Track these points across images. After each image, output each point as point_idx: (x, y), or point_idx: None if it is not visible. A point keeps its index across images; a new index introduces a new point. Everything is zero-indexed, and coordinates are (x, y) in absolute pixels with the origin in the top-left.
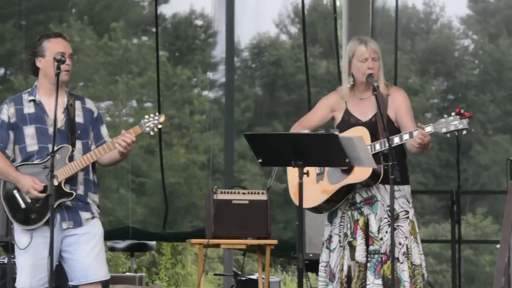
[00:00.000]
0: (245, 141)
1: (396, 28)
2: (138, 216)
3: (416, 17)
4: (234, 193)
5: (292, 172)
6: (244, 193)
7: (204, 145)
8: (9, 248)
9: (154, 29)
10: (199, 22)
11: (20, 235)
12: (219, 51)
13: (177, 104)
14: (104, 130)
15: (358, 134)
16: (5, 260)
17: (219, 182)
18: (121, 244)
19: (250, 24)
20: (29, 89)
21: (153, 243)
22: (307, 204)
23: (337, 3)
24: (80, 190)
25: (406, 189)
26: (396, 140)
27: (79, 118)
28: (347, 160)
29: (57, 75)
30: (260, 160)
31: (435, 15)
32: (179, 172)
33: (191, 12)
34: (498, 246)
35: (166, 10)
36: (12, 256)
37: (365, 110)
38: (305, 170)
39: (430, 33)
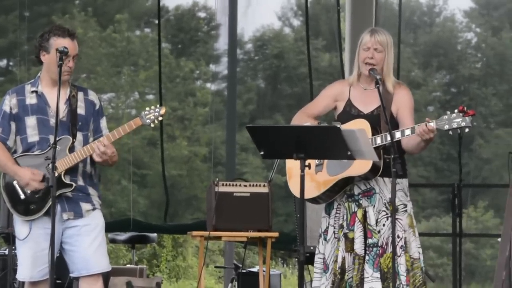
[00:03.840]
0: (247, 133)
1: (400, 21)
2: (140, 208)
3: (419, 10)
4: (236, 185)
5: (290, 163)
6: (245, 186)
7: (206, 137)
8: (10, 239)
9: (157, 21)
10: (202, 14)
11: (20, 226)
12: (222, 43)
13: (180, 96)
14: (103, 123)
15: (360, 127)
16: (6, 252)
17: (221, 175)
18: (122, 236)
19: (253, 17)
20: (32, 80)
21: (154, 235)
22: (305, 195)
23: None
24: (80, 181)
25: (405, 182)
26: (398, 135)
27: (81, 110)
28: (349, 153)
29: (60, 66)
30: (262, 153)
31: (438, 8)
32: (181, 165)
33: (194, 4)
34: (499, 239)
35: (169, 2)
36: (13, 247)
37: (368, 102)
38: (306, 162)
39: (433, 26)
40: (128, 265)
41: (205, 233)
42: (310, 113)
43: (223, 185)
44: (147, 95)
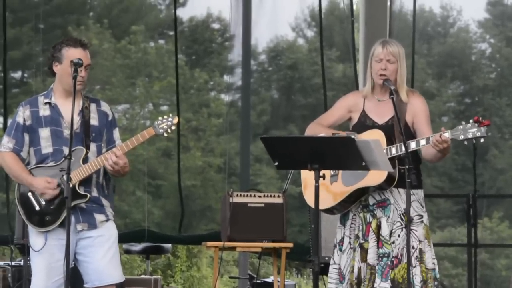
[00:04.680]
0: (261, 144)
1: (414, 31)
2: (154, 219)
3: (433, 20)
4: (250, 196)
5: (305, 174)
6: (260, 196)
7: (221, 148)
8: (25, 250)
9: (171, 33)
10: (216, 26)
11: (35, 237)
12: (235, 54)
13: (194, 107)
14: (116, 133)
15: (375, 138)
16: (21, 262)
17: (235, 185)
18: (137, 246)
19: (267, 28)
20: (45, 92)
21: (169, 245)
22: (320, 205)
23: (354, 7)
24: (94, 192)
25: (420, 193)
26: (413, 145)
27: (94, 121)
28: (363, 164)
29: (74, 78)
30: (276, 163)
31: (452, 18)
32: (195, 175)
33: (208, 16)
34: None
35: (183, 13)
36: (28, 258)
37: (382, 112)
38: (321, 173)
39: (447, 36)
40: (143, 276)
41: (220, 244)
42: (325, 124)
43: (237, 195)
44: (162, 106)
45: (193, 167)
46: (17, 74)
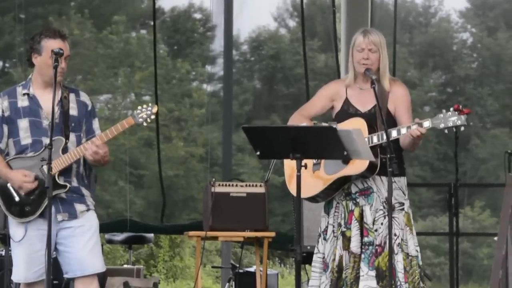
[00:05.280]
0: (243, 134)
1: (395, 21)
2: (137, 209)
3: (415, 10)
4: (232, 185)
5: (288, 163)
6: (242, 186)
7: (203, 138)
8: (6, 240)
9: (152, 23)
10: (197, 16)
11: (15, 228)
12: (217, 44)
13: (176, 98)
14: (95, 124)
15: (356, 126)
16: (3, 253)
17: (217, 175)
18: (119, 236)
19: (249, 18)
20: (23, 82)
21: (151, 235)
22: (303, 194)
23: None
24: (74, 182)
25: (402, 181)
26: (394, 133)
27: (73, 111)
28: (345, 153)
29: (55, 67)
30: (258, 153)
31: (433, 8)
32: (177, 165)
33: (190, 6)
34: (495, 239)
35: (164, 3)
36: (10, 248)
37: (365, 100)
38: (303, 162)
39: (428, 26)
40: (125, 266)
41: (202, 233)
42: (307, 114)
43: (219, 185)
44: (144, 96)
45: (175, 157)
46: None
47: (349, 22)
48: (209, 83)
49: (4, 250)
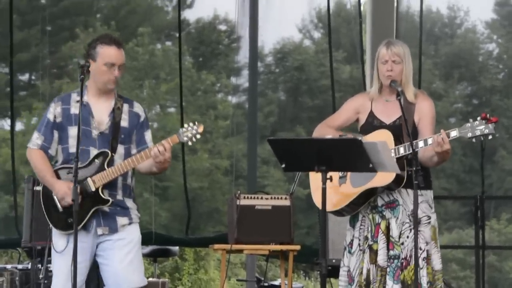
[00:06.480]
0: (268, 146)
1: (421, 32)
2: (161, 221)
3: (440, 21)
4: (257, 198)
5: (314, 176)
6: (267, 199)
7: (228, 150)
8: (33, 253)
9: (177, 34)
10: (222, 27)
11: (58, 238)
12: (242, 56)
13: (201, 109)
14: (148, 135)
15: (382, 139)
16: (29, 266)
17: (242, 188)
18: (144, 249)
19: (274, 29)
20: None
21: (176, 248)
22: (329, 207)
23: (361, 8)
24: (119, 195)
25: (429, 194)
26: (421, 144)
27: (124, 122)
28: (370, 165)
29: (81, 80)
30: (283, 166)
31: (459, 19)
32: (202, 177)
33: (215, 17)
34: None
35: (190, 15)
36: (36, 261)
37: (390, 112)
38: (328, 175)
39: (454, 37)
40: (150, 279)
41: (227, 246)
42: (332, 125)
43: (244, 198)
44: (169, 108)
45: (200, 169)
46: (25, 77)
47: (374, 33)
48: (234, 95)
49: (30, 263)
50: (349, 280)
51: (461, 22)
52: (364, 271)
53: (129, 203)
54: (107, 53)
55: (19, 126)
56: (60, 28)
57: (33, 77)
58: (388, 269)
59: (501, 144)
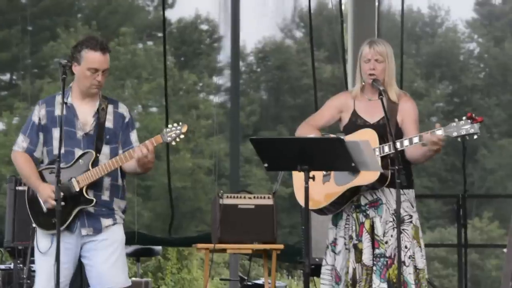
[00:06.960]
0: (250, 145)
1: (402, 31)
2: (144, 221)
3: (421, 21)
4: (240, 197)
5: (297, 174)
6: (250, 198)
7: (210, 149)
8: (15, 253)
9: (159, 34)
10: (204, 27)
11: (42, 239)
12: (224, 55)
13: (183, 109)
14: (133, 136)
15: (366, 137)
16: (12, 266)
17: (225, 187)
18: (127, 249)
19: (255, 29)
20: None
21: (159, 248)
22: (312, 205)
23: (343, 7)
24: (106, 195)
25: (411, 193)
26: (406, 143)
27: (109, 123)
28: (353, 164)
29: (63, 80)
30: (266, 165)
31: (440, 18)
32: (185, 177)
33: (197, 17)
34: (504, 250)
35: (171, 14)
36: (18, 261)
37: (373, 111)
38: (311, 174)
39: (435, 36)
40: (133, 278)
41: (210, 246)
42: (315, 124)
43: (227, 197)
44: (150, 108)
45: (182, 168)
46: (6, 77)
47: (356, 33)
48: (216, 94)
49: (13, 264)
50: (336, 279)
51: (442, 21)
52: (350, 270)
53: (116, 204)
54: (92, 59)
55: (0, 126)
56: (41, 28)
57: (14, 77)
58: (374, 268)
59: (482, 143)
